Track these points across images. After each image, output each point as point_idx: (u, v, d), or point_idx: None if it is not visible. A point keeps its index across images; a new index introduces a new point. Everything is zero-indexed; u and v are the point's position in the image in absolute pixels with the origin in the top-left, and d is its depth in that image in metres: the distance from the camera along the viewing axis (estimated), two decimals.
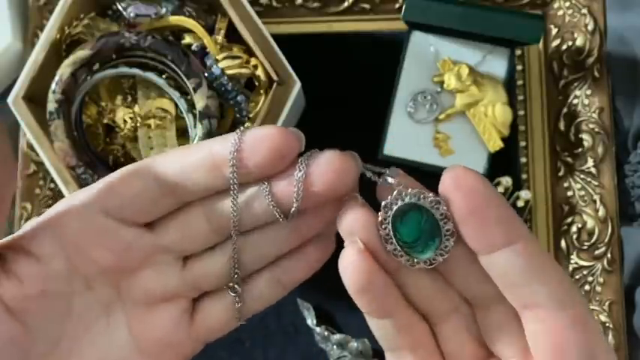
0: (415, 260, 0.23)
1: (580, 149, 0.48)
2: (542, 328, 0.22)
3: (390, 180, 0.23)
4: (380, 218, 0.23)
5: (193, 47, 0.44)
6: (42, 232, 0.24)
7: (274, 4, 0.51)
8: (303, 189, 0.23)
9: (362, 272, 0.22)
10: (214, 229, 0.25)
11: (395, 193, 0.23)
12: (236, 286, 0.26)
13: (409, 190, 0.23)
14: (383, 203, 0.23)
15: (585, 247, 0.48)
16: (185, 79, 0.41)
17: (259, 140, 0.23)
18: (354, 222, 0.23)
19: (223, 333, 0.27)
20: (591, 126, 0.48)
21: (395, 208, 0.23)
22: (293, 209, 0.23)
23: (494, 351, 0.24)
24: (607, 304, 0.47)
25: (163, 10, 0.43)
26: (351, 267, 0.22)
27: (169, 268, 0.26)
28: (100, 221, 0.24)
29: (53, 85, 0.40)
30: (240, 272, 0.25)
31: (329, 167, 0.23)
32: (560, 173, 0.49)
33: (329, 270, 0.26)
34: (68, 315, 0.25)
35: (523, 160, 0.49)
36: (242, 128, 0.23)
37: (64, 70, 0.40)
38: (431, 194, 0.23)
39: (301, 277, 0.26)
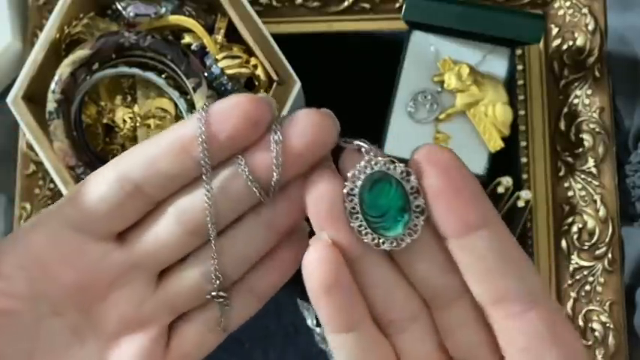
0: (381, 240, 0.21)
1: (580, 149, 0.48)
2: (515, 324, 0.20)
3: (358, 143, 0.22)
4: (346, 190, 0.21)
5: (193, 47, 0.43)
6: (5, 250, 0.23)
7: (274, 3, 0.51)
8: (283, 154, 0.21)
9: (329, 269, 0.20)
10: (188, 229, 0.23)
11: (364, 160, 0.21)
12: (221, 292, 0.23)
13: (379, 158, 0.21)
14: (350, 173, 0.21)
15: (586, 247, 0.48)
16: (185, 79, 0.41)
17: (227, 110, 0.21)
18: (320, 198, 0.21)
19: (200, 358, 0.25)
20: (592, 126, 0.48)
21: (363, 177, 0.21)
22: (274, 180, 0.21)
23: (457, 354, 0.22)
24: (607, 304, 0.47)
25: (163, 10, 0.43)
26: (316, 262, 0.20)
27: (143, 289, 0.24)
28: (67, 237, 0.23)
29: (53, 85, 0.40)
30: (222, 279, 0.23)
31: (308, 123, 0.21)
32: (561, 173, 0.49)
33: None
34: (37, 338, 0.23)
35: (523, 160, 0.49)
36: (206, 104, 0.22)
37: (64, 69, 0.40)
38: (402, 165, 0.21)
39: (276, 285, 0.25)
